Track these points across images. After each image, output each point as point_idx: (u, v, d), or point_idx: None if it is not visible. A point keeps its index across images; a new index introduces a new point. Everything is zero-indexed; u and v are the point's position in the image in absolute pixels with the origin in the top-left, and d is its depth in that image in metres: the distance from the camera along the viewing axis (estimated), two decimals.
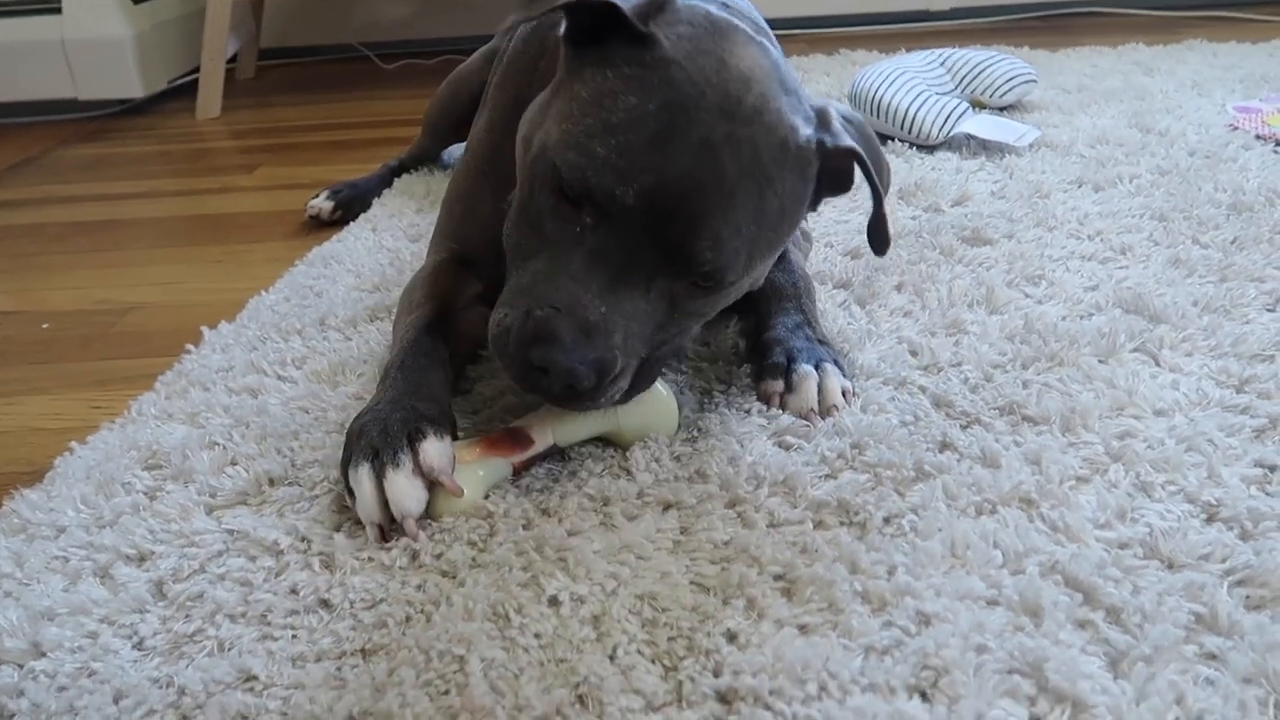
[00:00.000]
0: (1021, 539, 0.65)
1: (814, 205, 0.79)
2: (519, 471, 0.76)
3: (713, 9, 0.74)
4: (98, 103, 2.25)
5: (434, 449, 0.71)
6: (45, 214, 1.63)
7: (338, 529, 0.72)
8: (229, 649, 0.62)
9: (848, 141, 0.75)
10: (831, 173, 0.76)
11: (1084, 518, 0.67)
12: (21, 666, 0.61)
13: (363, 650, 0.61)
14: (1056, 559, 0.63)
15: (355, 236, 1.32)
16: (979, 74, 1.61)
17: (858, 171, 0.78)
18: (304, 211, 1.46)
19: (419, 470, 0.70)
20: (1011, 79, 1.60)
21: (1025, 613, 0.60)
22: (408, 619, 0.63)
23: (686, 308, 0.74)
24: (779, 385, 0.83)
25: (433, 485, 0.71)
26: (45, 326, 1.19)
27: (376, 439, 0.71)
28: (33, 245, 1.48)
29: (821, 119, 0.75)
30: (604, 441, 0.79)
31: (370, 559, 0.68)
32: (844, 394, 0.82)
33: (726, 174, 0.68)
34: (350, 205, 1.46)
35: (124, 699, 0.58)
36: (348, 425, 0.76)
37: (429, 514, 0.72)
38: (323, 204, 1.46)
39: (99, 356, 1.10)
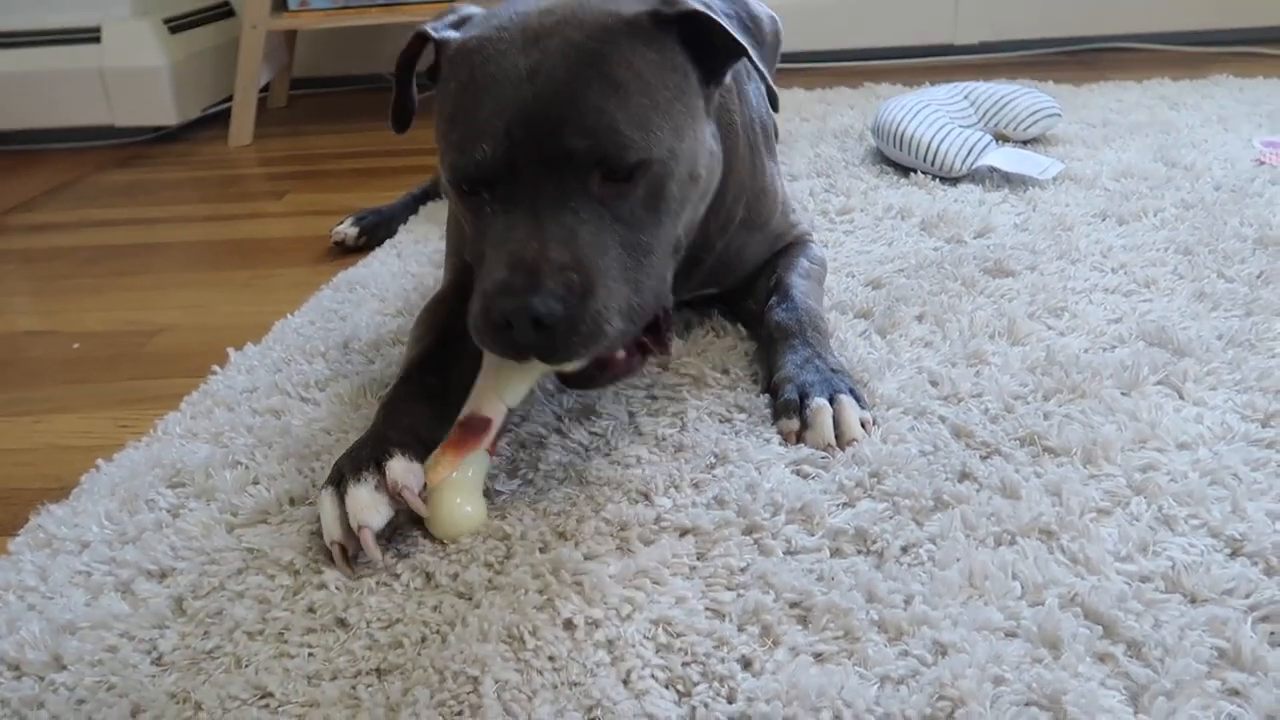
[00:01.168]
0: (1041, 570, 0.65)
1: (711, 72, 0.81)
2: (494, 452, 0.77)
3: None
4: (133, 129, 2.30)
5: (400, 466, 0.72)
6: (80, 237, 1.66)
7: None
8: (246, 665, 0.62)
9: (687, 7, 0.77)
10: (707, 37, 0.79)
11: (1105, 550, 0.66)
12: (42, 679, 0.62)
13: (378, 669, 0.61)
14: (1076, 591, 0.63)
15: (381, 262, 1.34)
16: (1003, 108, 1.61)
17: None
18: (330, 238, 1.48)
19: (384, 487, 0.71)
20: (1035, 113, 1.60)
21: (1044, 644, 0.59)
22: (423, 639, 0.63)
23: (625, 212, 0.74)
24: (794, 424, 0.82)
25: (429, 503, 0.72)
26: (76, 347, 1.21)
27: (344, 465, 0.74)
28: (67, 267, 1.51)
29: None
30: (623, 466, 0.79)
31: (385, 583, 0.68)
32: (863, 424, 0.82)
33: (556, 76, 0.72)
34: (374, 231, 1.48)
35: (141, 713, 0.59)
36: None
37: (445, 536, 0.72)
38: (347, 230, 1.47)
39: (127, 377, 1.12)
